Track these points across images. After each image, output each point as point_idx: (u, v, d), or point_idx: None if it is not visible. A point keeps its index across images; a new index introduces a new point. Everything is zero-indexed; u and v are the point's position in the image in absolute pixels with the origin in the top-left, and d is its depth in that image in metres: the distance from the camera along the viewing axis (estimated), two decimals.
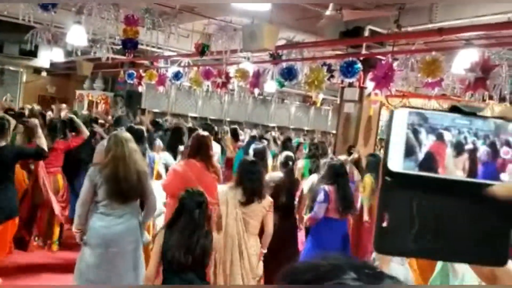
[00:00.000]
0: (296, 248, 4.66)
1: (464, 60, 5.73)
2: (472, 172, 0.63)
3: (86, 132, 5.95)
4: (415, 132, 0.64)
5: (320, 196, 4.21)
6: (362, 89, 8.39)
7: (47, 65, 13.44)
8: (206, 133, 4.28)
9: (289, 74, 7.36)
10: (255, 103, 17.50)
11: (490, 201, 0.64)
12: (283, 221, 4.40)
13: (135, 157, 3.42)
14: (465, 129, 0.64)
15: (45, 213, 5.62)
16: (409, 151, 0.64)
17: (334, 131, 16.18)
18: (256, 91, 8.83)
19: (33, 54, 12.14)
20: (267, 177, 4.85)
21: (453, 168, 0.65)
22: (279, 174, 4.90)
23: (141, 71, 11.88)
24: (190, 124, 13.09)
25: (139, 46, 10.00)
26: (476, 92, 5.35)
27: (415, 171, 0.64)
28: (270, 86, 10.09)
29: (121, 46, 8.55)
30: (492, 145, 0.63)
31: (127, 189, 3.35)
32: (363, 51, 7.03)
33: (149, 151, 5.00)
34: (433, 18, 6.05)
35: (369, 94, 7.89)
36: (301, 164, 6.33)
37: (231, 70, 9.17)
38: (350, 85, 8.61)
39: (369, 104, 8.17)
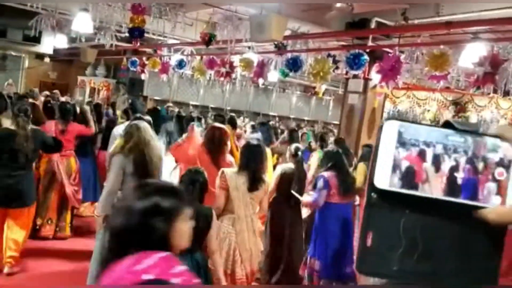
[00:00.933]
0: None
1: (471, 54, 5.74)
2: (465, 192, 0.60)
3: (93, 128, 6.05)
4: (405, 147, 0.59)
5: (320, 183, 4.31)
6: (366, 80, 8.40)
7: (51, 51, 13.39)
8: (221, 126, 4.45)
9: (294, 64, 7.36)
10: (257, 92, 17.50)
11: (480, 223, 0.59)
12: (294, 211, 4.59)
13: (155, 143, 3.74)
14: (459, 147, 0.59)
15: (58, 197, 5.68)
16: (397, 167, 0.60)
17: (334, 122, 16.28)
18: (260, 81, 8.83)
19: (36, 40, 12.08)
20: (280, 168, 5.07)
21: (443, 187, 0.61)
22: (291, 166, 5.04)
23: (144, 58, 11.85)
24: (194, 113, 13.16)
25: (147, 35, 9.99)
26: (485, 86, 5.37)
27: (404, 189, 0.60)
28: (273, 76, 10.08)
29: (125, 34, 8.55)
30: (485, 164, 0.59)
31: (153, 173, 3.57)
32: (369, 43, 7.02)
33: None
34: (440, 11, 6.04)
35: (375, 86, 7.90)
36: (316, 156, 6.22)
37: (235, 59, 9.16)
38: (355, 76, 8.61)
39: (374, 96, 8.18)
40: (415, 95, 9.78)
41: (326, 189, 4.31)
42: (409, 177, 0.60)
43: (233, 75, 10.18)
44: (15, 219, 4.43)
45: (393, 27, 6.48)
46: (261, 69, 8.50)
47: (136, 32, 6.79)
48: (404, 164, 0.62)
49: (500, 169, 0.62)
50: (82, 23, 7.85)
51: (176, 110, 13.33)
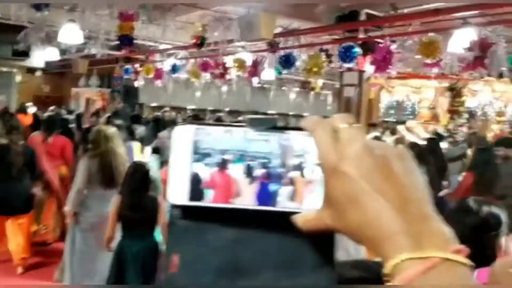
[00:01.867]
0: None
1: (461, 40, 5.72)
2: (266, 199, 0.53)
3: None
4: (203, 155, 0.53)
5: None
6: (361, 72, 8.37)
7: (41, 65, 13.37)
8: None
9: (286, 62, 7.35)
10: (254, 91, 17.45)
11: (297, 231, 0.52)
12: None
13: (120, 150, 4.07)
14: (263, 149, 0.53)
15: (53, 205, 5.84)
16: (196, 178, 0.53)
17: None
18: (255, 80, 8.80)
19: (26, 54, 12.05)
20: None
21: (252, 196, 0.54)
22: None
23: (137, 65, 11.83)
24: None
25: (138, 41, 9.98)
26: (476, 70, 5.35)
27: (205, 203, 0.55)
28: (268, 74, 10.06)
29: (115, 42, 8.53)
30: (283, 165, 0.52)
31: (117, 177, 3.87)
32: (360, 35, 6.99)
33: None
34: None
35: (369, 78, 7.87)
36: None
37: (229, 60, 9.13)
38: (349, 69, 8.59)
39: (369, 87, 8.15)
40: (410, 84, 9.76)
41: None
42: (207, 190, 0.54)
43: (228, 76, 10.18)
44: (16, 225, 4.78)
45: (382, 17, 6.46)
46: (255, 68, 8.47)
47: (126, 40, 6.76)
48: (204, 175, 0.55)
49: (300, 170, 0.55)
50: (70, 34, 7.83)
51: (173, 115, 13.36)
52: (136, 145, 5.63)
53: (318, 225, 0.47)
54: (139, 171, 3.52)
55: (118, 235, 3.52)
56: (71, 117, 10.41)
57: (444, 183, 5.81)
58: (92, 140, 4.13)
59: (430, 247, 0.40)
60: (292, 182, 0.54)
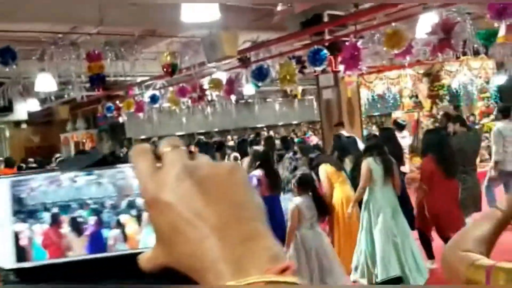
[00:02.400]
0: None
1: (426, 24, 5.76)
2: (98, 246, 0.49)
3: None
4: (29, 212, 0.49)
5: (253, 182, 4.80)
6: (335, 73, 8.41)
7: (25, 117, 13.39)
8: None
9: (260, 74, 7.37)
10: (238, 108, 17.46)
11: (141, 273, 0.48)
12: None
13: None
14: (88, 192, 0.48)
15: None
16: (22, 237, 0.50)
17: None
18: (233, 97, 8.83)
19: (8, 109, 12.09)
20: None
21: (80, 247, 0.50)
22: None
23: (117, 102, 11.87)
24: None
25: (112, 78, 10.02)
26: (443, 53, 5.38)
27: (33, 262, 0.50)
28: (248, 89, 10.10)
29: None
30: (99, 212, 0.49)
31: None
32: (327, 37, 7.04)
33: None
34: None
35: (342, 77, 7.91)
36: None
37: (206, 82, 9.18)
38: (324, 71, 8.63)
39: (345, 86, 8.18)
40: (387, 76, 9.79)
41: (259, 185, 4.84)
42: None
43: (210, 97, 10.21)
44: None
45: (344, 16, 6.51)
46: (231, 86, 8.50)
47: (97, 79, 6.79)
48: (32, 233, 0.51)
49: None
50: (44, 83, 7.85)
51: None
52: None
53: (156, 264, 0.43)
54: None
55: None
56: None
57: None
58: None
59: (252, 270, 0.37)
60: (122, 224, 0.51)
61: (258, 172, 4.95)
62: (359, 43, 6.22)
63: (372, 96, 10.95)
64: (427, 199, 4.90)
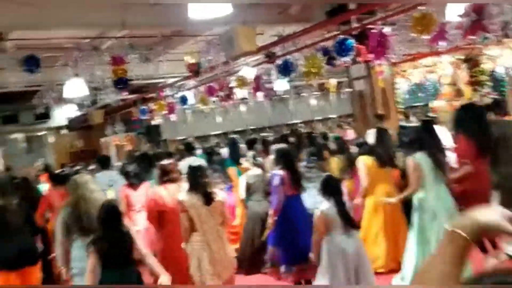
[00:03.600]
0: None
1: (457, 7, 5.39)
2: None
3: None
4: None
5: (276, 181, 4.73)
6: (366, 63, 8.07)
7: (64, 123, 13.71)
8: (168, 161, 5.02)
9: (285, 69, 7.15)
10: (273, 104, 17.25)
11: None
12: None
13: (94, 196, 3.97)
14: None
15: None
16: None
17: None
18: (260, 94, 8.65)
19: (46, 116, 12.42)
20: (244, 177, 5.91)
21: None
22: (255, 173, 5.78)
23: (151, 104, 11.95)
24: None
25: (143, 81, 10.09)
26: (476, 35, 4.99)
27: None
28: (280, 84, 9.89)
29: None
30: None
31: (90, 224, 3.78)
32: (354, 25, 6.73)
33: None
34: None
35: (373, 67, 7.57)
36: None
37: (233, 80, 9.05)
38: (355, 62, 8.30)
39: (376, 76, 7.83)
40: (423, 64, 9.33)
41: (282, 185, 4.73)
42: None
43: (239, 95, 10.08)
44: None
45: (371, 3, 6.18)
46: (258, 83, 8.32)
47: (121, 82, 6.79)
48: None
49: None
50: (75, 89, 7.91)
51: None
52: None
53: None
54: (109, 208, 3.59)
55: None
56: None
57: None
58: (67, 192, 4.17)
59: None
60: None
61: (281, 171, 4.82)
62: (386, 30, 5.89)
63: (410, 85, 10.50)
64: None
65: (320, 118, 18.63)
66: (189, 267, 4.06)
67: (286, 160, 4.91)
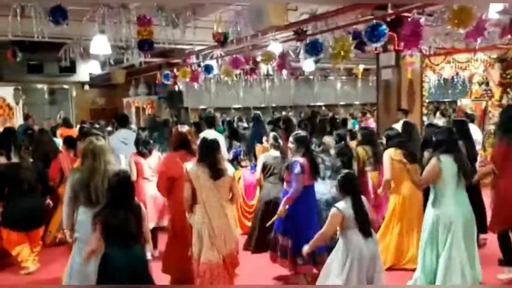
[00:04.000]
0: None
1: (499, 4, 5.14)
2: None
3: None
4: None
5: (298, 169, 4.48)
6: (398, 52, 7.85)
7: (87, 79, 13.76)
8: (184, 129, 4.95)
9: (313, 49, 6.96)
10: (298, 84, 17.05)
11: None
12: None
13: (103, 166, 3.74)
14: None
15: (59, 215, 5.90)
16: None
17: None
18: (284, 72, 8.49)
19: (72, 70, 12.46)
20: (262, 157, 5.61)
21: None
22: (273, 154, 5.53)
23: (175, 70, 11.89)
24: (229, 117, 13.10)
25: (169, 46, 9.98)
26: None
27: None
28: (308, 64, 9.69)
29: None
30: None
31: (97, 195, 3.66)
32: (390, 11, 6.49)
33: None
34: None
35: (404, 57, 7.34)
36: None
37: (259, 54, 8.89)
38: (385, 50, 8.08)
39: (405, 67, 7.61)
40: (456, 59, 9.03)
41: (303, 173, 4.50)
42: None
43: (264, 70, 9.93)
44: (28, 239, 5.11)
45: None
46: (283, 60, 8.17)
47: (145, 44, 6.72)
48: None
49: None
50: (100, 46, 7.88)
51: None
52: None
53: None
54: (122, 180, 3.40)
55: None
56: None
57: None
58: (81, 154, 3.93)
59: None
60: None
61: (302, 159, 4.58)
62: (422, 20, 5.65)
63: (439, 80, 10.21)
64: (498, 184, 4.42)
65: (343, 103, 18.39)
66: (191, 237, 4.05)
67: (306, 147, 4.68)
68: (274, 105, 16.66)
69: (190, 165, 4.08)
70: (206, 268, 3.91)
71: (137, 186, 4.91)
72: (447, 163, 4.02)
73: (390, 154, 4.93)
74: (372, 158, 5.88)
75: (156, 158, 5.62)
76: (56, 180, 5.86)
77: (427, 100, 10.03)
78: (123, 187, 3.37)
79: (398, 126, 6.08)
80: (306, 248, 3.86)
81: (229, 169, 4.19)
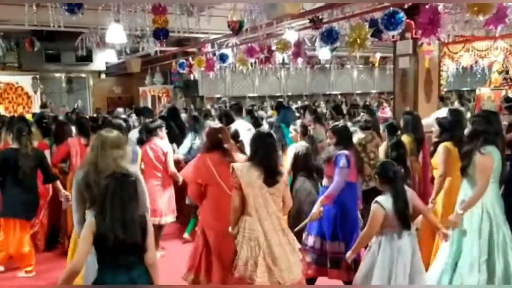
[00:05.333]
0: None
1: None
2: None
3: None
4: None
5: (343, 162, 3.94)
6: (415, 40, 7.71)
7: (103, 68, 13.86)
8: (218, 125, 4.16)
9: (329, 37, 6.89)
10: (314, 73, 16.93)
11: None
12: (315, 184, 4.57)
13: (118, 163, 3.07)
14: None
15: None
16: None
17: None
18: (300, 60, 8.42)
19: (88, 59, 12.55)
20: (293, 148, 4.83)
21: None
22: (303, 144, 4.80)
23: (190, 59, 11.89)
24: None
25: (185, 35, 9.95)
26: None
27: None
28: (324, 53, 9.59)
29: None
30: None
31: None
32: None
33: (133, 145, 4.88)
34: None
35: (421, 44, 7.21)
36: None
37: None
38: (402, 38, 7.94)
39: (423, 55, 7.47)
40: (475, 47, 8.85)
41: (349, 167, 3.96)
42: None
43: (279, 59, 9.86)
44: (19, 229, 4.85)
45: None
46: (299, 48, 8.09)
47: (160, 33, 6.71)
48: None
49: None
50: (116, 35, 7.90)
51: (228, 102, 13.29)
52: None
53: None
54: (125, 182, 2.67)
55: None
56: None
57: None
58: (91, 146, 3.25)
59: None
60: None
61: (347, 151, 4.04)
62: (440, 7, 5.55)
63: (457, 68, 10.03)
64: None
65: (360, 92, 18.23)
66: (236, 259, 3.25)
67: (349, 140, 4.19)
68: (289, 93, 16.59)
69: (239, 166, 3.29)
70: None
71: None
72: (495, 154, 3.67)
73: (450, 149, 4.19)
74: (415, 147, 5.32)
75: (165, 145, 5.47)
76: (58, 165, 5.46)
77: (445, 89, 9.87)
78: (122, 191, 2.62)
79: (436, 115, 5.56)
80: (349, 254, 3.42)
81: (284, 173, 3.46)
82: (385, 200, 3.20)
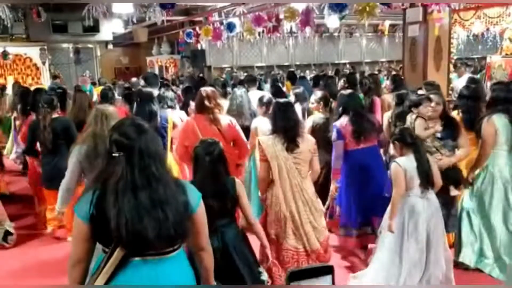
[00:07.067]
0: None
1: None
2: None
3: None
4: None
5: (333, 135, 4.03)
6: (425, 7, 7.58)
7: (110, 38, 13.79)
8: (209, 89, 4.17)
9: (338, 5, 6.80)
10: (322, 42, 16.74)
11: None
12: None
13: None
14: None
15: None
16: None
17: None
18: (308, 29, 8.33)
19: (95, 29, 12.48)
20: (310, 120, 4.79)
21: None
22: (321, 116, 4.75)
23: (197, 28, 11.79)
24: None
25: (193, 3, 9.88)
26: None
27: None
28: (333, 21, 9.47)
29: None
30: None
31: None
32: None
33: (161, 111, 4.78)
34: None
35: (431, 12, 7.10)
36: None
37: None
38: (412, 5, 7.82)
39: (433, 23, 7.36)
40: (487, 14, 8.67)
41: (341, 139, 4.00)
42: None
43: (287, 27, 9.76)
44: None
45: None
46: (307, 17, 8.00)
47: (168, 3, 6.67)
48: None
49: None
50: (122, 4, 7.88)
51: (242, 74, 13.25)
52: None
53: None
54: (206, 151, 2.70)
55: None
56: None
57: None
58: (90, 119, 3.32)
59: None
60: None
61: (340, 122, 4.08)
62: None
63: (468, 36, 9.87)
64: None
65: (369, 60, 18.04)
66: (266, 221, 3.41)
67: (350, 107, 4.07)
68: (297, 63, 16.46)
69: (264, 140, 3.37)
70: (293, 254, 3.33)
71: None
72: (501, 122, 3.73)
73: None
74: None
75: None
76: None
77: (455, 57, 9.73)
78: (209, 158, 2.66)
79: (462, 81, 5.39)
80: (388, 221, 3.32)
81: (310, 138, 3.48)
82: (404, 160, 3.25)
